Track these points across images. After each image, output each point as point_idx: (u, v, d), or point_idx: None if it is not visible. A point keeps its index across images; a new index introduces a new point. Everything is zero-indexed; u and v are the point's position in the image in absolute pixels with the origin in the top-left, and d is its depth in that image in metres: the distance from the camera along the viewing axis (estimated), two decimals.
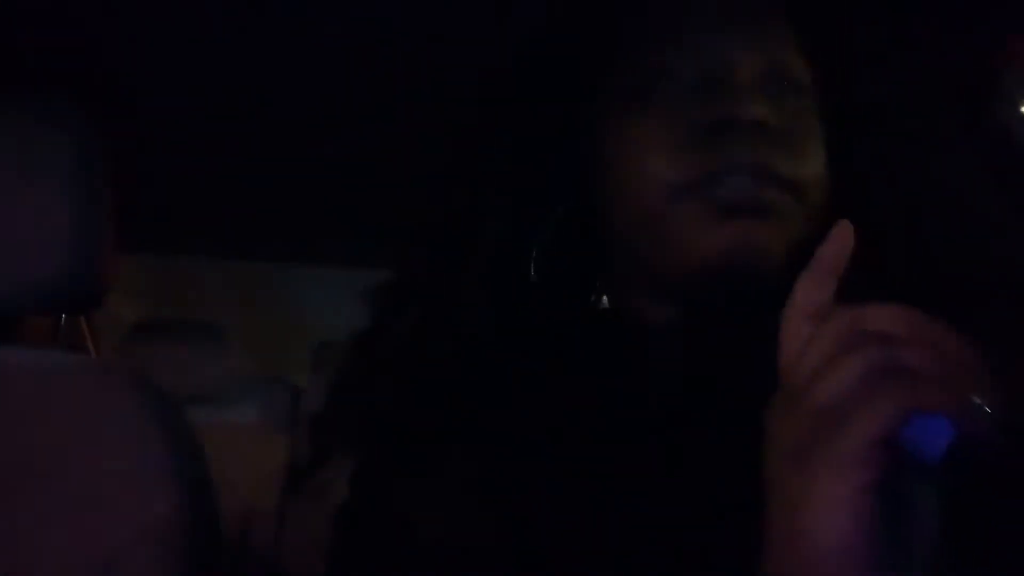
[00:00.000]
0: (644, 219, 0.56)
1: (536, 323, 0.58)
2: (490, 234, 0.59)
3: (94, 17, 1.19)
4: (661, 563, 0.49)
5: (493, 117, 0.63)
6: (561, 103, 0.61)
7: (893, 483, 0.36)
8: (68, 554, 0.71)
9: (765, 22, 0.58)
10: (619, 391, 0.56)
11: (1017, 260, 0.56)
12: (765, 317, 0.55)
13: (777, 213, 0.54)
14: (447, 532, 0.52)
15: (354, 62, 1.29)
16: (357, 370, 0.61)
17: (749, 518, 0.42)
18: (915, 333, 0.38)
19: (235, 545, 1.83)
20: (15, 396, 0.76)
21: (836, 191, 0.57)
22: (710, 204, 0.53)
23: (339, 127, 1.54)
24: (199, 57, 1.30)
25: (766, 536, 0.39)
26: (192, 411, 0.83)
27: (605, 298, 0.61)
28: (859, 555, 0.36)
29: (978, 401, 0.36)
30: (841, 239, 0.41)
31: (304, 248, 2.37)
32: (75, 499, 0.73)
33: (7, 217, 0.79)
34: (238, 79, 1.37)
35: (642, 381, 0.56)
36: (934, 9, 0.86)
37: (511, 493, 0.53)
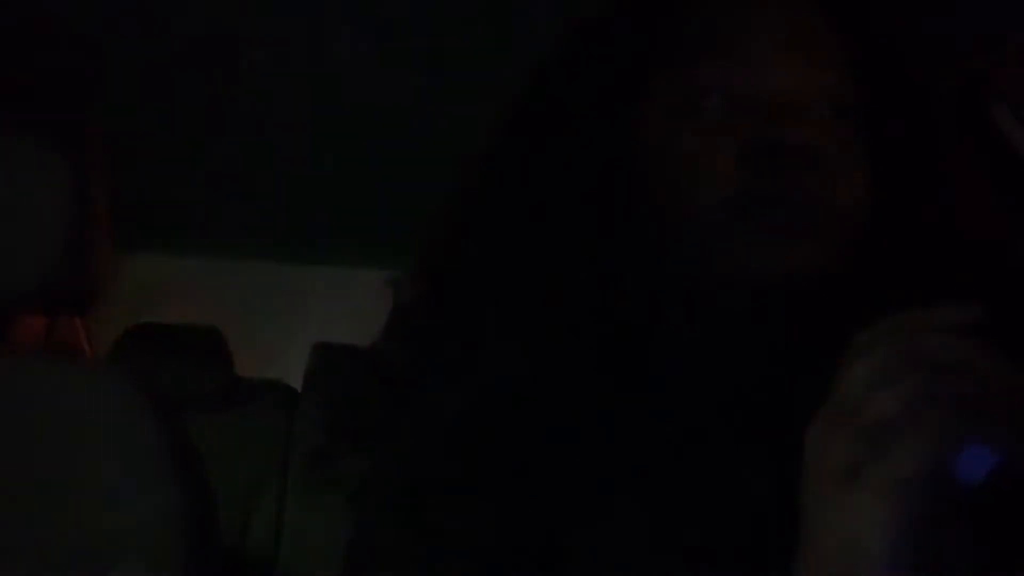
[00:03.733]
0: (686, 233, 0.55)
1: (572, 338, 0.57)
2: (536, 251, 0.58)
3: (93, 16, 1.19)
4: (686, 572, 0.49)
5: (532, 126, 0.62)
6: (600, 113, 0.60)
7: (935, 505, 0.38)
8: (65, 554, 0.71)
9: (817, 43, 0.58)
10: (647, 407, 0.55)
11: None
12: (798, 336, 0.55)
13: (823, 239, 0.54)
14: (477, 542, 0.52)
15: (362, 62, 1.29)
16: (393, 356, 0.60)
17: (779, 530, 0.43)
18: (963, 358, 0.39)
19: (233, 546, 1.83)
20: (10, 397, 0.76)
21: (875, 210, 0.57)
22: (757, 225, 0.53)
23: (339, 127, 1.54)
24: (200, 57, 1.30)
25: (803, 547, 0.40)
26: (189, 413, 0.83)
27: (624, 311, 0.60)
28: (906, 573, 0.37)
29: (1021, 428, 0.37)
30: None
31: (304, 248, 2.36)
32: (72, 501, 0.73)
33: (2, 218, 0.79)
34: (240, 78, 1.37)
35: (669, 397, 0.55)
36: (934, 10, 0.86)
37: (539, 505, 0.52)
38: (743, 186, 0.53)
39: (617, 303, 0.58)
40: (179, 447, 0.79)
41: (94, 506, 0.73)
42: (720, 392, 0.55)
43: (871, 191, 0.57)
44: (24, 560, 0.71)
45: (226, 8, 1.17)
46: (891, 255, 0.57)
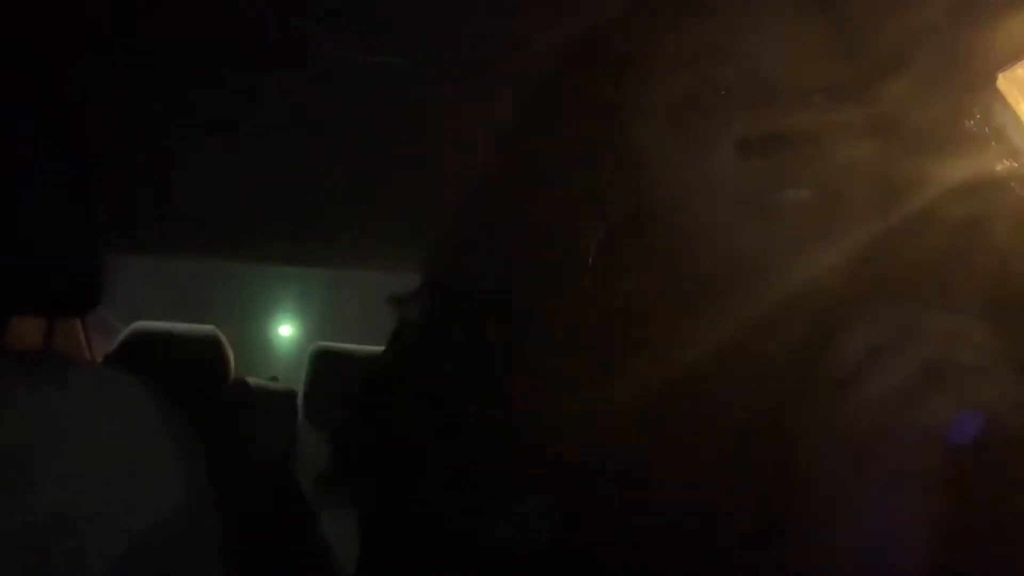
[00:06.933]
0: (689, 230, 0.56)
1: (577, 335, 0.57)
2: (548, 245, 0.59)
3: (92, 15, 1.19)
4: (689, 551, 0.49)
5: (536, 125, 0.63)
6: (599, 116, 0.61)
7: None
8: (66, 559, 0.71)
9: (809, 34, 0.59)
10: (655, 400, 0.56)
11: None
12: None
13: (828, 239, 0.54)
14: (500, 532, 0.52)
15: (363, 62, 1.29)
16: (401, 375, 0.60)
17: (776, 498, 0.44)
18: (956, 331, 0.40)
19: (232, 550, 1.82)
20: (9, 400, 0.76)
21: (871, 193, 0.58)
22: (767, 221, 0.54)
23: (339, 128, 1.54)
24: (202, 58, 1.30)
25: (806, 519, 0.41)
26: (189, 414, 0.83)
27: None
28: (915, 537, 0.38)
29: (1012, 396, 0.38)
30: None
31: (303, 249, 2.36)
32: (72, 505, 0.73)
33: (1, 218, 0.79)
34: (240, 79, 1.37)
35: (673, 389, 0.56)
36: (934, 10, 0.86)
37: (558, 495, 0.53)
38: (744, 177, 0.54)
39: (622, 299, 0.59)
40: (179, 451, 0.79)
41: (93, 511, 0.73)
42: (722, 383, 0.55)
43: (879, 180, 0.57)
44: (21, 565, 0.71)
45: (223, 8, 1.17)
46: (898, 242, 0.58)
